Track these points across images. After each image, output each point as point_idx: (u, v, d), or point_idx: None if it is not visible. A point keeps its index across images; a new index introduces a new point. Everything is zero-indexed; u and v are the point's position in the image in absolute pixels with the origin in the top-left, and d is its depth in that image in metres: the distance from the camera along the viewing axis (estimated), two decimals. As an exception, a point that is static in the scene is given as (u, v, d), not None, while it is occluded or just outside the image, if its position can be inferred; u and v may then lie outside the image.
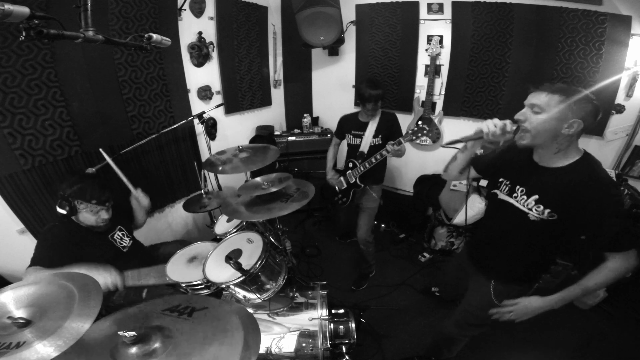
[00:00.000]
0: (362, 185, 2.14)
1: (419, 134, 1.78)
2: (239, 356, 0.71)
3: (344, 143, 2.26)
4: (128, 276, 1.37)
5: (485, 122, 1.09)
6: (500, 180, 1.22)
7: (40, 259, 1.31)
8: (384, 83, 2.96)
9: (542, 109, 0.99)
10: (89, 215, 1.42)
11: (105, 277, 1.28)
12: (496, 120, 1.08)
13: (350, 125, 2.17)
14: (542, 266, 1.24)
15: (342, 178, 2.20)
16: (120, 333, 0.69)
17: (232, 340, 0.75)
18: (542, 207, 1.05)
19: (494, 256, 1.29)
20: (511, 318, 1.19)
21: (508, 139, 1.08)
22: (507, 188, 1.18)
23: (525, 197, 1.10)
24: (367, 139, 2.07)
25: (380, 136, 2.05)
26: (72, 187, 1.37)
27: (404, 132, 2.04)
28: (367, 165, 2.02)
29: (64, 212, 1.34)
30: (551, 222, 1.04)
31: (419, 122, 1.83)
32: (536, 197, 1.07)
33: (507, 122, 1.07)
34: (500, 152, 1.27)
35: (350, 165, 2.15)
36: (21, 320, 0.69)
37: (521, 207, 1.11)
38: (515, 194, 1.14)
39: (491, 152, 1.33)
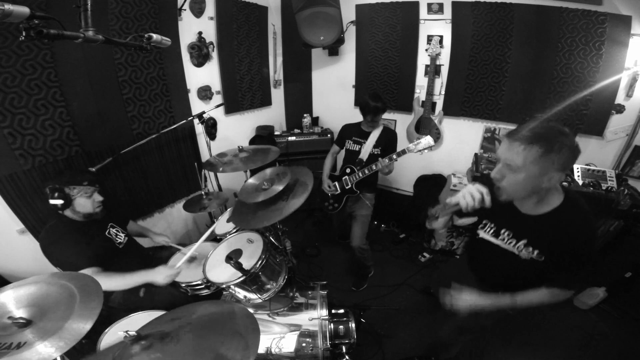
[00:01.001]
0: (357, 192, 2.16)
1: (416, 149, 1.85)
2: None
3: (342, 151, 2.29)
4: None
5: (461, 194, 1.03)
6: (484, 222, 1.21)
7: (78, 259, 1.34)
8: (384, 83, 2.96)
9: (519, 168, 0.90)
10: (84, 200, 1.42)
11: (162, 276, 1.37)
12: (473, 191, 1.01)
13: (351, 132, 2.20)
14: (535, 283, 1.24)
15: (336, 183, 2.21)
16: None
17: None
18: (531, 249, 1.05)
19: (489, 280, 1.29)
20: (454, 307, 1.20)
21: (487, 206, 1.01)
22: (492, 230, 1.17)
23: (514, 240, 1.09)
24: (368, 147, 2.10)
25: (380, 147, 2.09)
26: (61, 178, 1.39)
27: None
28: (367, 172, 2.03)
29: (58, 202, 1.34)
30: (539, 261, 1.05)
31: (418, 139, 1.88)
32: (525, 241, 1.06)
33: (484, 191, 1.00)
34: None
35: (348, 170, 2.16)
36: (22, 321, 0.69)
37: (510, 249, 1.11)
38: (501, 237, 1.14)
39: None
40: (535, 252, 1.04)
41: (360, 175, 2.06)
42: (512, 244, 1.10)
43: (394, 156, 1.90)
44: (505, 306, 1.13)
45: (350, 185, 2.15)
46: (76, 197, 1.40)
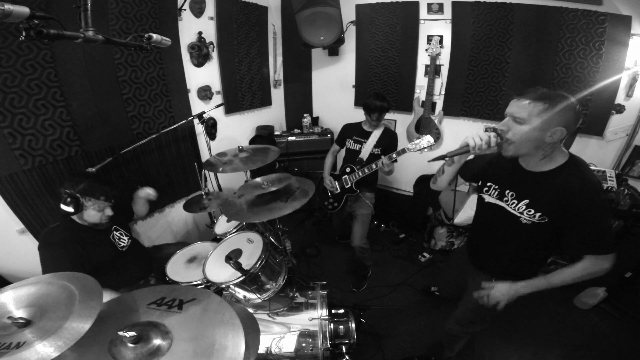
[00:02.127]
0: (357, 191, 2.16)
1: (416, 148, 1.82)
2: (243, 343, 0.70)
3: (343, 150, 2.29)
4: None
5: (470, 135, 1.08)
6: (489, 184, 1.22)
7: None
8: (384, 83, 2.96)
9: (524, 120, 0.97)
10: (94, 212, 1.41)
11: None
12: (482, 133, 1.06)
13: (352, 131, 2.20)
14: (538, 263, 1.25)
15: (336, 182, 2.22)
16: (121, 333, 0.69)
17: (233, 330, 0.74)
18: (532, 211, 1.06)
19: (491, 256, 1.30)
20: (491, 303, 1.20)
21: (494, 151, 1.07)
22: (497, 192, 1.19)
23: (515, 201, 1.11)
24: (369, 146, 2.11)
25: (380, 148, 2.09)
26: (79, 184, 1.36)
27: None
28: (367, 171, 2.03)
29: (70, 209, 1.33)
30: (542, 224, 1.06)
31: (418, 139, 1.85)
32: (527, 201, 1.08)
33: (492, 134, 1.05)
34: (485, 158, 1.26)
35: (348, 170, 2.16)
36: (21, 321, 0.69)
37: (512, 211, 1.12)
38: (505, 198, 1.15)
39: (477, 157, 1.31)
40: (537, 215, 1.05)
41: (360, 174, 2.06)
42: (514, 206, 1.11)
43: (394, 155, 1.90)
44: (541, 287, 1.12)
45: (350, 185, 2.15)
46: (88, 208, 1.39)
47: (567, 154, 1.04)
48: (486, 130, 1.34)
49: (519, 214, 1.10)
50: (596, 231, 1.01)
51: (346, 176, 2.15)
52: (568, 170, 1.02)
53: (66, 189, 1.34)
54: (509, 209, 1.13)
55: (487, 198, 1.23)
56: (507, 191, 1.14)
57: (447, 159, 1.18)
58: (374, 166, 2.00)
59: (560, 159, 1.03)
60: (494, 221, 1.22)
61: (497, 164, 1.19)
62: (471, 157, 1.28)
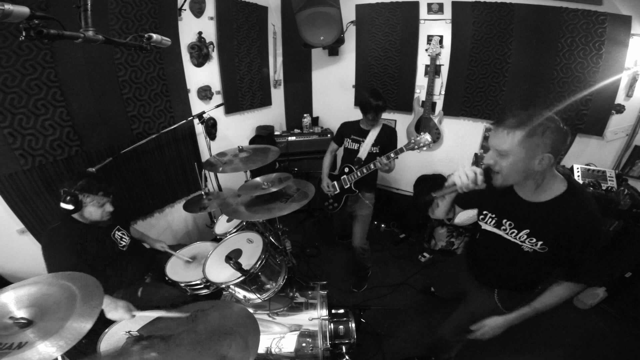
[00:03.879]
0: (357, 191, 2.14)
1: (415, 146, 1.82)
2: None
3: (341, 149, 2.26)
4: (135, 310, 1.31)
5: (457, 173, 1.06)
6: (485, 213, 1.21)
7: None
8: (384, 83, 2.96)
9: (506, 152, 0.94)
10: (95, 209, 1.41)
11: (112, 314, 1.25)
12: (468, 170, 1.03)
13: (350, 130, 2.17)
14: (541, 277, 1.24)
15: (335, 183, 2.20)
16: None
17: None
18: (534, 240, 1.05)
19: (493, 274, 1.30)
20: (484, 338, 1.25)
21: (482, 187, 1.03)
22: (494, 221, 1.18)
23: (515, 230, 1.10)
24: (367, 145, 2.07)
25: (378, 146, 2.07)
26: (77, 182, 1.37)
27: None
28: (365, 171, 2.01)
29: (70, 207, 1.33)
30: (542, 252, 1.05)
31: (417, 137, 1.83)
32: (527, 231, 1.06)
33: (478, 171, 1.02)
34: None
35: (347, 170, 2.14)
36: (23, 321, 0.69)
37: (513, 240, 1.11)
38: (503, 227, 1.14)
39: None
40: (539, 243, 1.04)
41: (359, 174, 2.05)
42: (514, 235, 1.10)
43: (392, 154, 1.88)
44: (529, 316, 1.15)
45: (349, 185, 2.14)
46: (88, 204, 1.40)
47: (564, 180, 1.01)
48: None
49: (520, 243, 1.09)
50: (585, 263, 1.03)
51: (345, 176, 2.14)
52: (569, 200, 0.99)
53: (65, 187, 1.35)
54: (508, 237, 1.13)
55: (484, 226, 1.23)
56: (505, 220, 1.13)
57: (436, 198, 1.21)
58: (372, 166, 1.98)
59: (558, 187, 1.00)
60: (494, 247, 1.21)
61: (493, 193, 1.14)
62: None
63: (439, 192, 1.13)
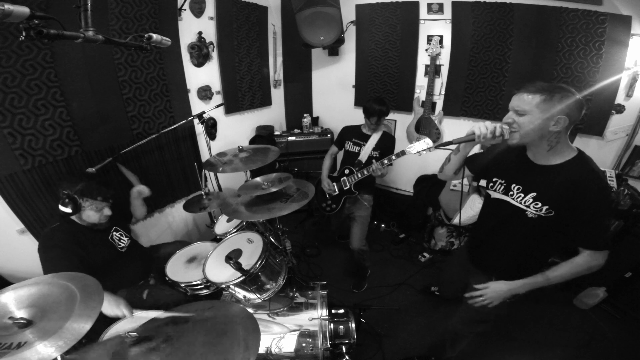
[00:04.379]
0: (356, 192, 2.16)
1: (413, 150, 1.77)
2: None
3: (340, 152, 2.29)
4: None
5: (477, 124, 1.10)
6: (494, 179, 1.24)
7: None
8: (384, 83, 2.96)
9: (525, 111, 1.01)
10: (93, 212, 1.41)
11: (113, 310, 1.25)
12: (488, 123, 1.09)
13: (351, 134, 2.21)
14: (540, 262, 1.25)
15: (334, 184, 2.21)
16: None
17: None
18: (540, 204, 1.07)
19: (493, 254, 1.30)
20: (484, 303, 1.23)
21: (499, 142, 1.09)
22: (502, 187, 1.20)
23: (522, 194, 1.12)
24: (368, 149, 2.12)
25: (379, 151, 2.11)
26: (77, 185, 1.36)
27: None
28: (365, 173, 2.03)
29: (68, 210, 1.33)
30: (547, 218, 1.06)
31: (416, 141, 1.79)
32: (534, 194, 1.08)
33: (498, 125, 1.08)
34: (493, 152, 1.27)
35: (346, 171, 2.17)
36: (22, 321, 0.69)
37: (518, 205, 1.13)
38: (511, 192, 1.16)
39: (486, 151, 1.34)
40: (544, 208, 1.06)
41: (359, 176, 2.07)
42: (520, 199, 1.12)
43: (385, 161, 1.89)
44: (539, 285, 1.14)
45: (348, 186, 2.15)
46: (86, 209, 1.39)
47: (575, 149, 1.06)
48: None
49: (525, 207, 1.11)
50: (598, 227, 1.03)
51: (345, 178, 2.15)
52: (577, 165, 1.03)
53: (64, 190, 1.35)
54: (514, 202, 1.14)
55: (493, 194, 1.24)
56: (514, 185, 1.15)
57: (453, 146, 1.21)
58: (365, 172, 2.00)
59: (569, 153, 1.05)
60: (498, 216, 1.23)
61: (505, 159, 1.21)
62: (479, 150, 1.30)
63: (457, 139, 1.17)
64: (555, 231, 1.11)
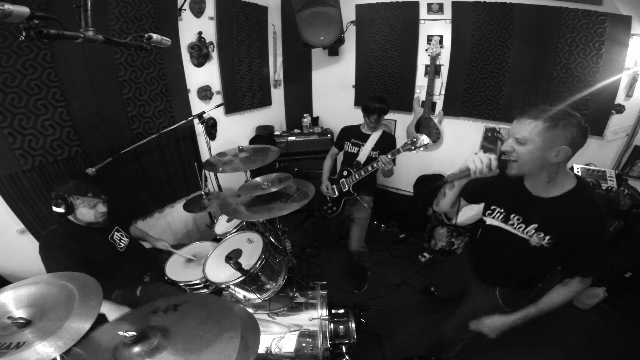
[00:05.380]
0: (355, 194, 2.15)
1: (412, 147, 1.80)
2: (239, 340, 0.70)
3: (341, 153, 2.27)
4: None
5: (471, 158, 1.06)
6: (493, 208, 1.21)
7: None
8: (384, 83, 2.96)
9: (526, 140, 0.95)
10: (86, 210, 1.41)
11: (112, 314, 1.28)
12: (482, 156, 1.04)
13: (351, 134, 2.19)
14: (543, 274, 1.25)
15: (334, 187, 2.20)
16: (121, 333, 0.69)
17: (229, 326, 0.74)
18: (542, 234, 1.05)
19: (495, 271, 1.30)
20: (486, 333, 1.25)
21: (495, 174, 1.04)
22: (501, 215, 1.18)
23: (523, 225, 1.10)
24: (367, 149, 2.09)
25: (378, 151, 2.07)
26: (66, 184, 1.37)
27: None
28: (363, 174, 2.02)
29: (61, 210, 1.34)
30: (549, 247, 1.06)
31: (414, 139, 1.82)
32: (535, 225, 1.07)
33: (493, 157, 1.03)
34: (490, 181, 1.22)
35: (345, 173, 2.16)
36: (21, 321, 0.69)
37: (520, 234, 1.11)
38: (511, 222, 1.14)
39: (479, 179, 1.31)
40: (547, 238, 1.04)
41: (357, 177, 2.05)
42: (522, 229, 1.10)
43: (398, 150, 1.85)
44: (533, 317, 1.14)
45: (347, 188, 2.14)
46: (79, 207, 1.39)
47: (574, 177, 1.03)
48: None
49: (527, 237, 1.09)
50: (594, 257, 1.03)
51: (343, 179, 2.14)
52: (577, 197, 1.00)
53: (55, 191, 1.36)
54: (515, 232, 1.12)
55: (490, 221, 1.23)
56: (513, 215, 1.13)
57: (447, 182, 1.19)
58: (370, 167, 1.98)
59: (568, 184, 1.01)
60: (500, 243, 1.21)
61: (501, 187, 1.17)
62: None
63: (452, 176, 1.13)
64: (557, 256, 1.10)
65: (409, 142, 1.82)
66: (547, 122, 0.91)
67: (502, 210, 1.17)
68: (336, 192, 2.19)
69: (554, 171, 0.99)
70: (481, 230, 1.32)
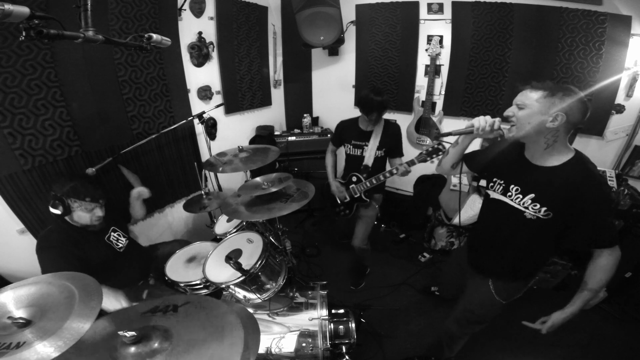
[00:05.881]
0: (368, 200, 2.06)
1: (433, 155, 1.70)
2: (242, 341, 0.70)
3: (342, 151, 2.17)
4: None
5: (477, 118, 1.13)
6: (494, 180, 1.24)
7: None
8: (384, 83, 2.96)
9: (525, 105, 1.02)
10: (84, 213, 1.40)
11: (113, 303, 1.27)
12: (487, 117, 1.11)
13: (350, 133, 2.03)
14: (538, 263, 1.25)
15: (345, 190, 2.11)
16: (120, 333, 0.69)
17: (230, 328, 0.74)
18: (538, 206, 1.07)
19: (491, 256, 1.30)
20: (548, 332, 1.19)
21: (497, 135, 1.12)
22: (501, 187, 1.20)
23: (520, 195, 1.12)
24: (372, 151, 1.95)
25: (384, 149, 1.96)
26: (65, 186, 1.36)
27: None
28: (375, 182, 1.93)
29: (57, 212, 1.33)
30: (546, 220, 1.06)
31: (435, 144, 1.71)
32: (532, 195, 1.08)
33: (497, 119, 1.11)
34: (493, 151, 1.28)
35: (354, 179, 2.05)
36: (21, 321, 0.69)
37: (516, 206, 1.13)
38: (509, 193, 1.16)
39: (485, 149, 1.35)
40: (543, 209, 1.06)
41: (368, 185, 1.96)
42: (519, 200, 1.12)
43: (408, 165, 1.78)
44: (588, 298, 1.10)
45: (359, 194, 2.05)
46: (76, 210, 1.38)
47: (572, 150, 1.06)
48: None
49: (523, 209, 1.11)
50: (606, 225, 1.04)
51: (354, 186, 2.03)
52: (575, 166, 1.03)
53: (53, 191, 1.35)
54: (512, 203, 1.14)
55: (492, 194, 1.24)
56: (512, 186, 1.15)
57: (452, 138, 1.24)
58: (382, 177, 1.87)
59: (567, 154, 1.05)
60: (497, 217, 1.23)
61: (504, 159, 1.21)
62: (479, 147, 1.30)
63: (456, 131, 1.19)
64: (553, 233, 1.11)
65: (424, 152, 1.72)
66: (546, 91, 0.99)
67: (502, 182, 1.20)
68: (348, 197, 2.11)
69: (552, 138, 1.03)
70: (483, 208, 1.35)
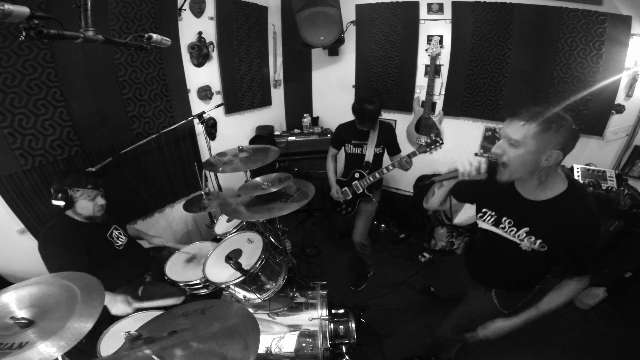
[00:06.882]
0: (370, 195, 2.13)
1: (432, 147, 1.85)
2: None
3: (342, 151, 2.23)
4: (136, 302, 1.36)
5: (460, 160, 1.06)
6: (484, 210, 1.21)
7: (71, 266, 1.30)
8: (384, 83, 2.96)
9: (518, 143, 0.93)
10: (86, 202, 1.41)
11: (117, 307, 1.29)
12: (472, 159, 1.04)
13: (349, 134, 2.13)
14: (538, 277, 1.24)
15: (346, 189, 2.16)
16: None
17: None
18: (533, 238, 1.04)
19: (491, 273, 1.30)
20: (487, 338, 1.26)
21: (483, 177, 1.04)
22: (493, 219, 1.17)
23: (514, 228, 1.09)
24: (371, 148, 2.06)
25: (382, 146, 2.07)
26: (66, 177, 1.38)
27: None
28: (377, 176, 2.03)
29: (60, 203, 1.34)
30: (540, 251, 1.05)
31: (432, 136, 1.87)
32: (526, 229, 1.06)
33: (482, 160, 1.02)
34: (481, 182, 1.21)
35: (357, 175, 2.12)
36: (24, 321, 0.69)
37: (512, 238, 1.10)
38: (502, 225, 1.13)
39: (472, 181, 1.31)
40: (538, 242, 1.03)
41: (371, 179, 2.04)
42: (513, 233, 1.09)
43: (409, 157, 1.89)
44: (534, 318, 1.14)
45: (362, 190, 2.12)
46: (78, 199, 1.40)
47: (565, 179, 1.01)
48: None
49: (519, 241, 1.08)
50: (586, 259, 1.03)
51: (357, 182, 2.11)
52: (570, 199, 0.98)
53: (54, 185, 1.37)
54: (507, 236, 1.12)
55: (482, 224, 1.22)
56: (504, 218, 1.12)
57: (436, 182, 1.20)
58: (386, 170, 1.98)
59: (560, 186, 1.00)
60: (491, 247, 1.22)
61: (492, 190, 1.14)
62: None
63: (440, 177, 1.14)
64: (549, 262, 1.10)
65: (424, 143, 1.85)
66: (540, 125, 0.90)
67: (493, 214, 1.17)
68: (350, 195, 2.16)
69: (545, 175, 0.98)
70: (478, 233, 1.32)
